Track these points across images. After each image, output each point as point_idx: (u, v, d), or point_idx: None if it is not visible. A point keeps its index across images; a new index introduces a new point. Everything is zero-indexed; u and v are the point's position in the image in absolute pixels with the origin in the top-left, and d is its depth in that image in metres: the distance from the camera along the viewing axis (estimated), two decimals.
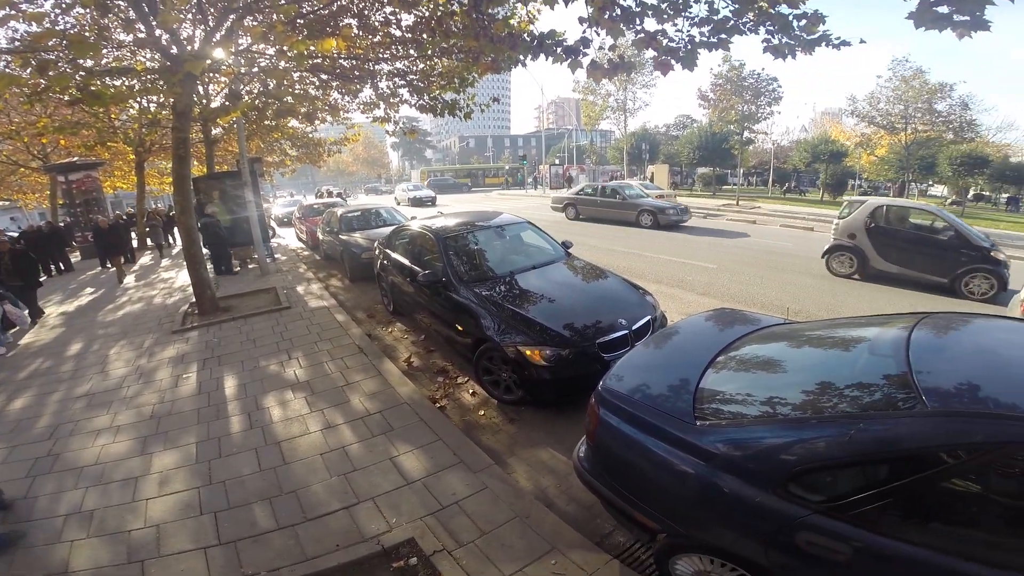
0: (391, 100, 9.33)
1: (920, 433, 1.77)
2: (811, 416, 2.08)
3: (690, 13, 4.50)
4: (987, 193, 40.58)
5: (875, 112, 21.85)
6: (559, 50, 4.68)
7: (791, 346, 2.86)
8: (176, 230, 17.90)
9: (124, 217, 17.65)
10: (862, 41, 4.35)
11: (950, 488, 1.74)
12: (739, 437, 2.17)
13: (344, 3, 7.37)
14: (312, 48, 5.85)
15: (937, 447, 1.72)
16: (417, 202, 30.67)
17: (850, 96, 23.96)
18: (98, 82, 6.56)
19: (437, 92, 8.99)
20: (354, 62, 8.39)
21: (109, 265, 13.25)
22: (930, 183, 42.02)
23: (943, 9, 3.27)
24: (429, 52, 7.72)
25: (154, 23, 6.22)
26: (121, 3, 6.46)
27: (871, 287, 8.77)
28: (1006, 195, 38.39)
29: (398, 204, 28.65)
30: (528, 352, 4.28)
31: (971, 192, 37.10)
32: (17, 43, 6.93)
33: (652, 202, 16.63)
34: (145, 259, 15.91)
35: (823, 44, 4.25)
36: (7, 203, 23.24)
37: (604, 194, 18.06)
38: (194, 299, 8.22)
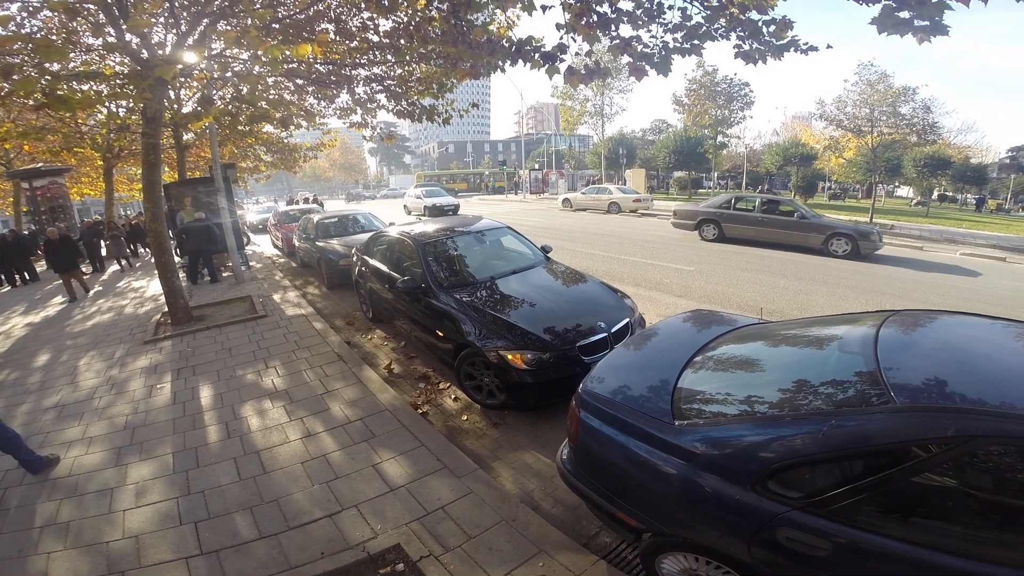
0: (368, 106, 9.27)
1: (891, 429, 1.81)
2: (787, 414, 2.13)
3: (664, 19, 4.61)
4: (950, 193, 42.20)
5: (842, 115, 22.47)
6: (537, 56, 4.74)
7: (766, 345, 2.92)
8: (143, 241, 17.42)
9: (88, 224, 16.64)
10: (829, 46, 4.50)
11: (923, 482, 1.78)
12: (717, 436, 2.20)
13: (321, 8, 7.32)
14: (287, 53, 5.78)
15: (908, 442, 1.76)
16: (437, 211, 23.50)
17: (819, 100, 24.71)
18: (65, 87, 6.37)
19: (415, 97, 8.96)
20: (331, 67, 8.33)
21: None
22: (896, 184, 43.57)
23: (904, 14, 3.41)
24: (407, 58, 7.71)
25: (124, 27, 6.08)
26: (90, 6, 6.30)
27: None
28: (975, 196, 39.91)
29: (410, 213, 25.51)
30: (510, 356, 4.30)
31: (935, 193, 38.52)
32: None
33: (847, 225, 12.70)
34: (113, 270, 15.25)
35: (792, 49, 4.39)
36: None
37: (769, 210, 13.51)
38: (166, 308, 8.02)
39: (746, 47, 4.48)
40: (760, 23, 4.35)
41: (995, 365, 2.13)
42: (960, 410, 1.76)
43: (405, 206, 27.58)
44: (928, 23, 3.37)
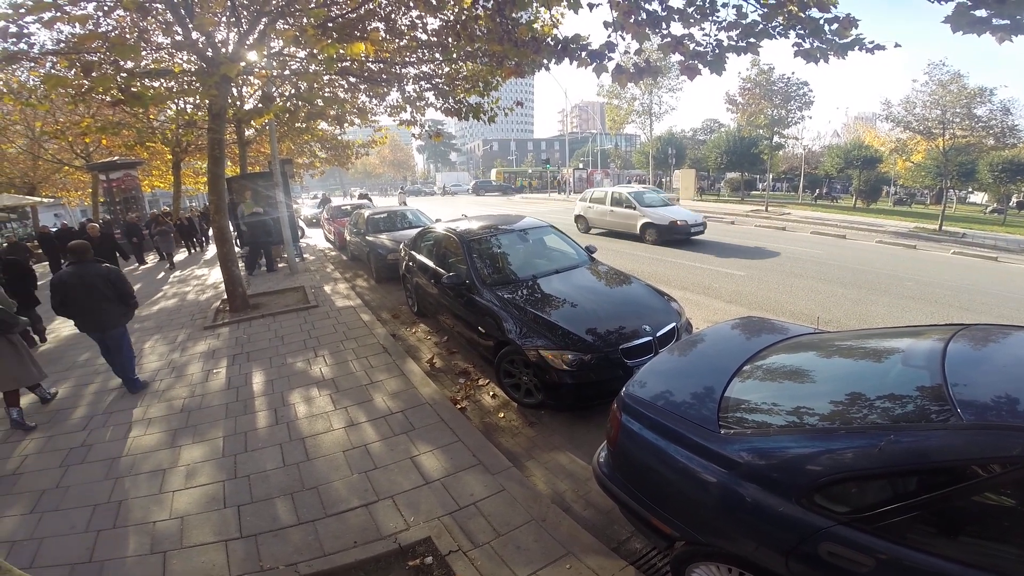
0: (417, 103, 9.46)
1: (953, 446, 1.72)
2: (839, 427, 2.04)
3: (717, 17, 4.45)
4: None
5: (911, 117, 21.06)
6: (583, 54, 4.67)
7: (820, 356, 2.79)
8: (197, 238, 17.73)
9: (133, 219, 16.47)
10: (897, 45, 4.25)
11: (983, 502, 1.69)
12: (764, 446, 2.13)
13: (371, 7, 7.51)
14: (342, 51, 5.97)
15: (971, 460, 1.67)
16: (670, 234, 13.59)
17: (884, 101, 23.22)
18: (138, 83, 6.81)
19: (462, 95, 9.08)
20: (381, 65, 8.54)
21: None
22: (970, 190, 40.59)
23: (981, 13, 3.18)
24: (454, 56, 7.81)
25: (191, 26, 6.44)
26: (159, 6, 6.69)
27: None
28: None
29: (587, 230, 16.39)
30: (550, 356, 4.28)
31: (1013, 199, 35.65)
32: (62, 45, 7.25)
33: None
34: (146, 266, 15.06)
35: (856, 48, 4.16)
36: (51, 200, 24.25)
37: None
38: (225, 296, 8.45)
39: (806, 46, 4.27)
40: (822, 21, 4.14)
41: None
42: None
43: (581, 217, 16.81)
44: (1008, 21, 3.12)
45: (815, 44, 4.25)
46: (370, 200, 23.70)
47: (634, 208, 14.41)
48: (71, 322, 5.26)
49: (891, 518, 1.75)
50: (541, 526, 3.06)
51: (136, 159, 17.88)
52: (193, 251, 17.12)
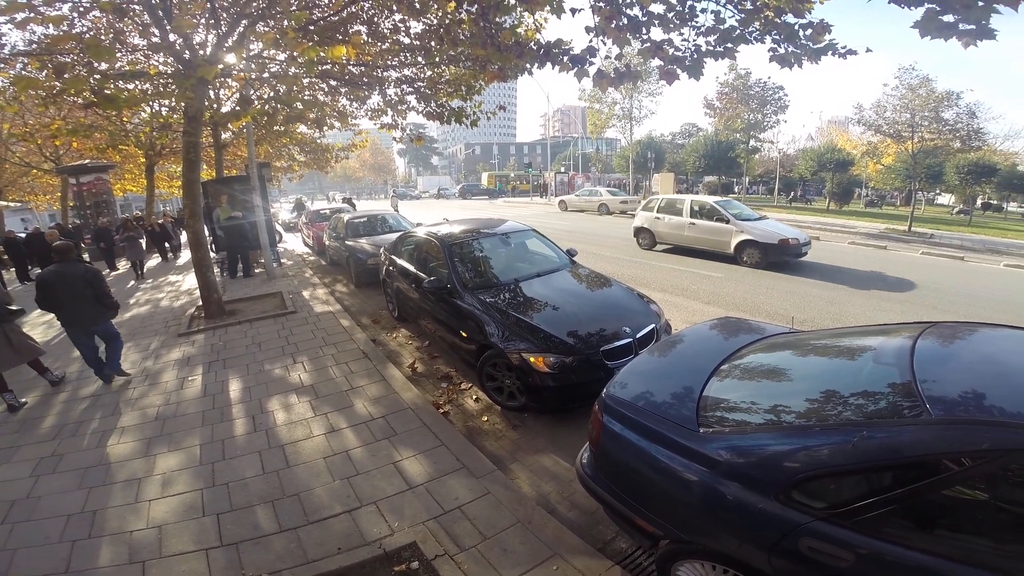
0: (399, 107, 9.40)
1: (924, 441, 1.78)
2: (815, 424, 2.09)
3: (696, 23, 4.53)
4: (995, 201, 40.46)
5: (881, 121, 21.71)
6: (565, 59, 4.71)
7: (796, 355, 2.86)
8: (171, 244, 17.01)
9: (105, 225, 15.89)
10: (868, 50, 4.37)
11: (955, 495, 1.75)
12: (743, 444, 2.17)
13: (354, 10, 7.46)
14: (323, 54, 5.92)
15: (941, 454, 1.73)
16: (774, 255, 11.01)
17: (856, 105, 23.90)
18: (112, 85, 6.65)
19: (444, 99, 9.05)
20: (363, 69, 8.48)
21: None
22: (937, 192, 41.94)
23: (948, 18, 3.29)
24: (437, 60, 7.79)
25: (168, 28, 6.31)
26: (136, 7, 6.56)
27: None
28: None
29: (652, 247, 13.69)
30: (532, 359, 4.29)
31: (979, 201, 36.93)
32: (34, 45, 7.05)
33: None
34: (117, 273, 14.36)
35: (829, 53, 4.27)
36: (18, 204, 23.50)
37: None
38: (200, 302, 8.28)
39: (781, 51, 4.38)
40: (796, 26, 4.25)
41: None
42: (997, 423, 1.72)
43: (644, 231, 13.88)
44: (974, 27, 3.23)
45: (790, 49, 4.36)
46: (352, 205, 23.34)
47: (726, 221, 11.63)
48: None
49: (867, 513, 1.80)
50: (527, 528, 3.06)
51: (108, 162, 17.39)
52: (168, 258, 16.68)
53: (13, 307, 5.40)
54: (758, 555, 2.04)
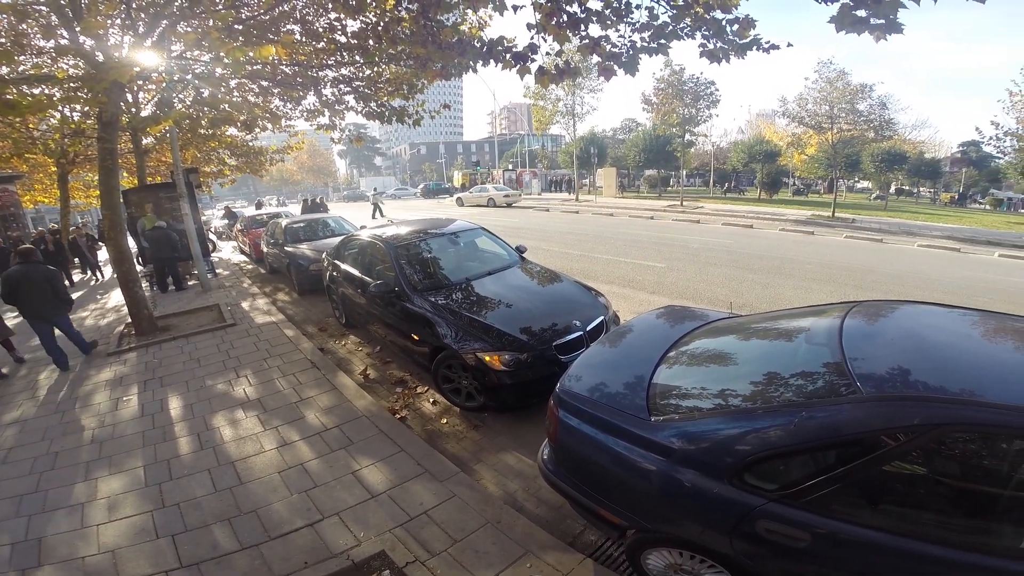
0: (336, 107, 9.09)
1: (859, 418, 1.85)
2: (759, 406, 2.16)
3: (632, 19, 4.65)
4: (906, 187, 44.00)
5: (804, 113, 23.08)
6: (508, 56, 4.74)
7: (737, 339, 2.98)
8: (83, 258, 14.93)
9: None
10: (790, 44, 4.61)
11: (893, 471, 1.82)
12: (693, 430, 2.22)
13: (286, 9, 7.16)
14: (251, 55, 5.65)
15: (876, 431, 1.80)
16: None
17: (781, 98, 25.33)
18: (14, 90, 6.08)
19: (385, 99, 8.85)
20: (297, 68, 8.15)
21: None
22: (856, 179, 45.15)
23: (861, 13, 3.53)
24: (376, 59, 7.59)
25: (77, 29, 5.84)
26: (42, 8, 6.03)
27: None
28: (952, 194, 41.34)
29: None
30: (487, 358, 4.29)
31: (892, 187, 40.02)
32: None
33: None
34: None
35: (754, 48, 4.48)
36: None
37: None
38: (130, 319, 7.74)
39: (710, 46, 4.56)
40: (724, 22, 4.43)
41: (956, 352, 2.21)
42: (924, 398, 1.80)
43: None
44: (884, 21, 3.48)
45: (718, 45, 4.54)
46: (326, 207, 20.67)
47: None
48: None
49: (815, 492, 1.86)
50: (497, 528, 3.06)
51: (14, 172, 15.91)
52: (74, 281, 14.23)
53: None
54: (720, 539, 2.09)
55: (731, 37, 4.49)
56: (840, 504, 1.84)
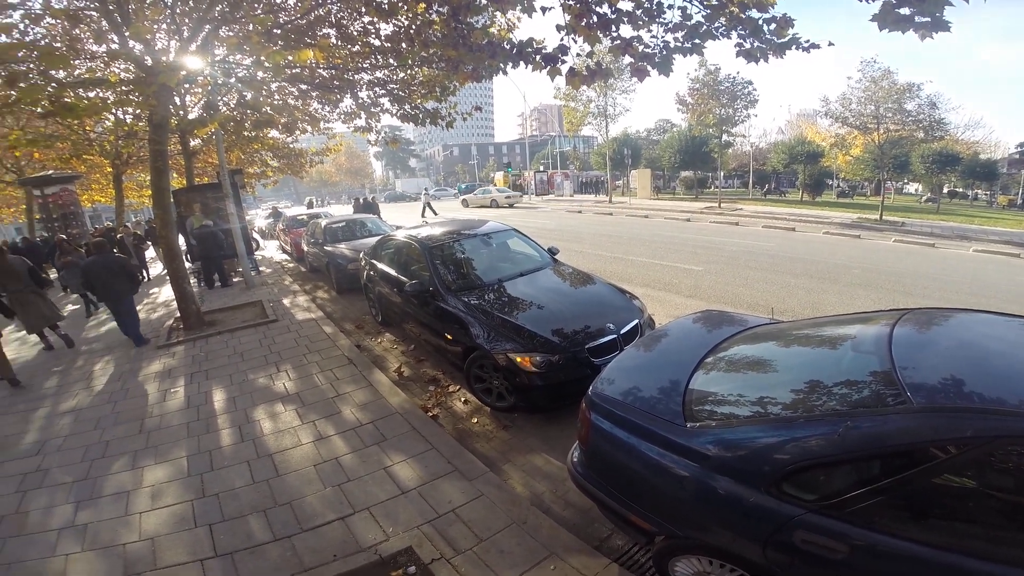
0: (372, 110, 9.31)
1: (908, 429, 1.78)
2: (800, 415, 2.10)
3: (664, 19, 4.57)
4: (960, 189, 41.80)
5: (848, 113, 22.19)
6: (538, 58, 4.72)
7: (778, 345, 2.89)
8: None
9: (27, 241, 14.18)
10: (831, 44, 4.46)
11: (942, 484, 1.75)
12: (730, 438, 2.18)
13: (321, 13, 7.36)
14: (289, 58, 5.82)
15: (926, 443, 1.73)
16: None
17: (823, 98, 24.43)
18: (71, 94, 6.44)
19: (418, 101, 9.00)
20: (333, 72, 8.37)
21: None
22: (905, 181, 43.14)
23: (905, 11, 3.38)
24: (409, 61, 7.73)
25: (126, 34, 6.14)
26: (93, 14, 6.36)
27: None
28: (1011, 196, 39.11)
29: None
30: (519, 359, 4.29)
31: (945, 189, 38.08)
32: None
33: None
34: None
35: (793, 47, 4.35)
36: None
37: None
38: (179, 314, 8.10)
39: (747, 45, 4.44)
40: (760, 21, 4.31)
41: (1016, 364, 2.09)
42: (979, 410, 1.72)
43: None
44: (929, 19, 3.33)
45: (755, 44, 4.42)
46: (377, 208, 21.02)
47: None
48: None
49: (858, 503, 1.80)
50: (522, 529, 3.06)
51: (73, 173, 16.83)
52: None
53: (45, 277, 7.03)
54: (753, 549, 2.04)
55: (768, 36, 4.36)
56: (882, 516, 1.78)
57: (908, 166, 31.86)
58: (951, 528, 1.75)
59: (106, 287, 7.12)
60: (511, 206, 32.93)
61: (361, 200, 22.89)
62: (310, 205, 31.19)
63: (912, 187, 46.09)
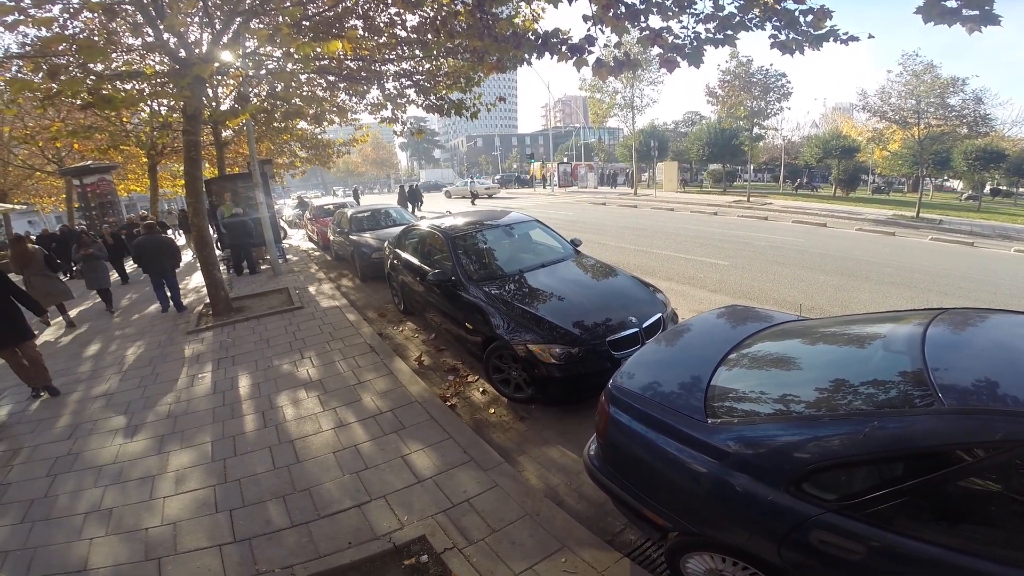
0: (398, 101, 9.35)
1: (937, 431, 1.73)
2: (825, 414, 2.05)
3: (695, 9, 4.46)
4: (1004, 187, 39.90)
5: (887, 107, 21.34)
6: (564, 48, 4.66)
7: (804, 343, 2.82)
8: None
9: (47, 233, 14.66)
10: (870, 36, 4.30)
11: (969, 486, 1.70)
12: (752, 435, 2.14)
13: (349, 5, 7.40)
14: (318, 50, 5.88)
15: (955, 445, 1.68)
16: None
17: (861, 91, 23.53)
18: (109, 86, 6.64)
19: (443, 92, 9.01)
20: (360, 63, 8.43)
21: None
22: (945, 178, 41.41)
23: (951, 3, 3.23)
24: (434, 52, 7.73)
25: (161, 27, 6.29)
26: (128, 7, 6.52)
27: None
28: None
29: None
30: (538, 350, 4.28)
31: (987, 187, 36.42)
32: (28, 48, 7.03)
33: None
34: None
35: (831, 39, 4.21)
36: (24, 207, 23.63)
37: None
38: (208, 300, 8.33)
39: (782, 37, 4.31)
40: (797, 12, 4.17)
41: None
42: (1012, 412, 1.66)
43: None
44: (977, 12, 3.17)
45: (791, 36, 4.28)
46: (421, 196, 24.83)
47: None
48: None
49: (879, 504, 1.76)
50: (535, 520, 3.06)
51: (110, 163, 17.41)
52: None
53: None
54: (768, 547, 2.01)
55: (805, 28, 4.22)
56: (904, 518, 1.74)
57: (949, 162, 30.49)
58: (974, 532, 1.70)
59: (153, 262, 8.29)
60: (490, 196, 37.19)
61: (406, 188, 24.99)
62: (356, 195, 33.26)
63: (953, 184, 44.23)
